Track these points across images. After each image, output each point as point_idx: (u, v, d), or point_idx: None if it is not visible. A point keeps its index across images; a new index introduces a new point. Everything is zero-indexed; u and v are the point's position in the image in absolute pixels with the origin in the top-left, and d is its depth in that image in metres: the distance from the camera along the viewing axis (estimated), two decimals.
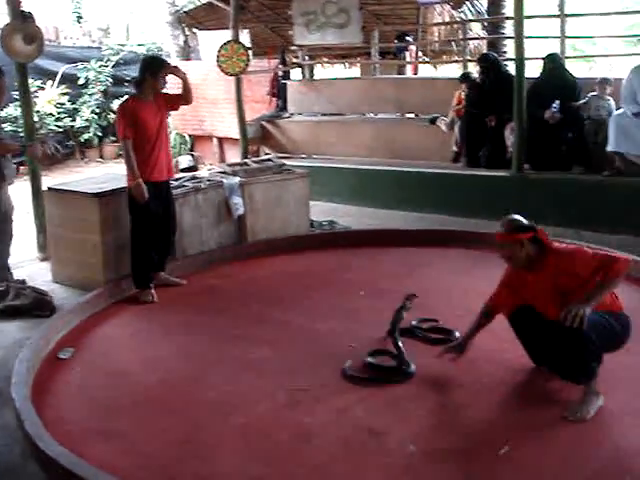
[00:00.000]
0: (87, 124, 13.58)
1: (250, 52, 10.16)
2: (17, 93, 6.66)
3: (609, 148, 6.91)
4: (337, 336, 4.49)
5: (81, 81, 13.76)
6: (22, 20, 6.18)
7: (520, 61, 7.19)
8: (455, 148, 8.54)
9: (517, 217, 3.62)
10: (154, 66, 5.19)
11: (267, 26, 14.07)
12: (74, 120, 13.51)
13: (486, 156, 8.03)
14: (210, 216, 6.34)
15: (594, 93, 7.27)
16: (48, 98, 12.88)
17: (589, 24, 13.81)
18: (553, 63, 7.63)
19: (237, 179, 6.57)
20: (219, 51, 9.19)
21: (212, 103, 12.07)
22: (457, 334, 4.32)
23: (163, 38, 15.57)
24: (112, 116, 12.90)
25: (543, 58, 7.81)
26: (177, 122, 12.53)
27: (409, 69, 13.37)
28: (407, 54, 13.26)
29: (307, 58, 12.00)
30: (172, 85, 5.95)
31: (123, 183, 5.31)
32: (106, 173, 7.81)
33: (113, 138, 13.24)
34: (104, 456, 3.18)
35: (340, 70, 16.47)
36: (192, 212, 6.15)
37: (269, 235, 6.67)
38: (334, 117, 10.64)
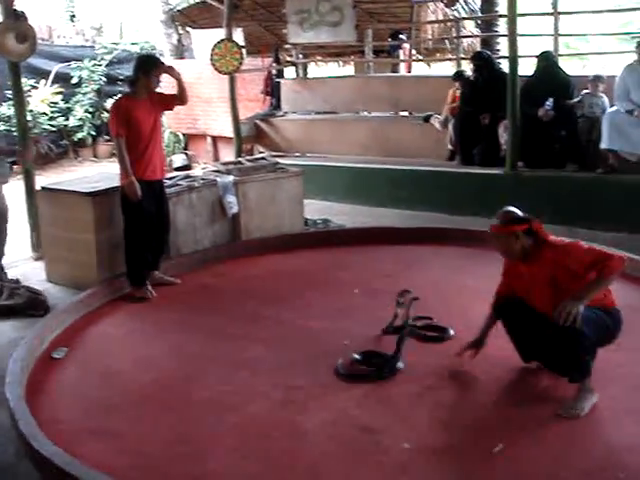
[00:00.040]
0: (81, 123, 13.52)
1: (244, 50, 10.17)
2: (10, 92, 6.65)
3: (603, 145, 6.92)
4: (331, 334, 4.49)
5: (74, 80, 13.69)
6: (15, 19, 6.16)
7: (513, 59, 7.20)
8: (450, 147, 8.52)
9: (512, 209, 3.61)
10: (148, 65, 5.18)
11: (261, 24, 14.09)
12: (67, 119, 13.45)
13: (480, 154, 8.02)
14: (204, 215, 6.33)
15: (587, 91, 7.27)
16: (41, 97, 12.81)
17: (582, 22, 13.86)
18: (547, 61, 7.64)
19: (231, 178, 6.57)
20: (213, 50, 9.17)
21: (206, 102, 12.04)
22: (451, 331, 4.33)
23: (157, 37, 15.51)
24: (106, 115, 12.83)
25: (537, 56, 7.82)
26: (171, 121, 12.50)
27: (403, 67, 13.37)
28: (401, 52, 13.27)
29: (301, 56, 11.98)
30: (167, 85, 5.95)
31: (117, 182, 5.30)
32: (100, 172, 7.78)
33: (107, 137, 13.18)
34: (98, 455, 3.18)
35: (334, 68, 16.47)
36: (186, 211, 6.15)
37: (263, 234, 6.67)
38: (328, 115, 10.60)
